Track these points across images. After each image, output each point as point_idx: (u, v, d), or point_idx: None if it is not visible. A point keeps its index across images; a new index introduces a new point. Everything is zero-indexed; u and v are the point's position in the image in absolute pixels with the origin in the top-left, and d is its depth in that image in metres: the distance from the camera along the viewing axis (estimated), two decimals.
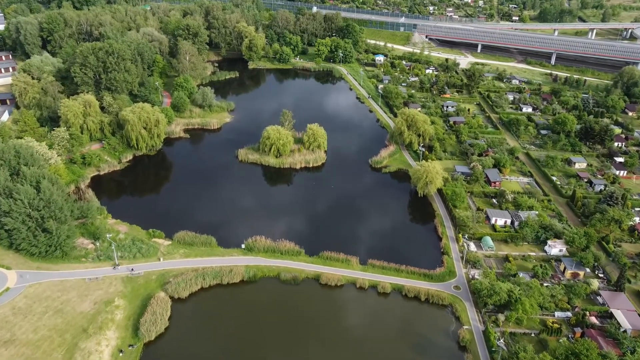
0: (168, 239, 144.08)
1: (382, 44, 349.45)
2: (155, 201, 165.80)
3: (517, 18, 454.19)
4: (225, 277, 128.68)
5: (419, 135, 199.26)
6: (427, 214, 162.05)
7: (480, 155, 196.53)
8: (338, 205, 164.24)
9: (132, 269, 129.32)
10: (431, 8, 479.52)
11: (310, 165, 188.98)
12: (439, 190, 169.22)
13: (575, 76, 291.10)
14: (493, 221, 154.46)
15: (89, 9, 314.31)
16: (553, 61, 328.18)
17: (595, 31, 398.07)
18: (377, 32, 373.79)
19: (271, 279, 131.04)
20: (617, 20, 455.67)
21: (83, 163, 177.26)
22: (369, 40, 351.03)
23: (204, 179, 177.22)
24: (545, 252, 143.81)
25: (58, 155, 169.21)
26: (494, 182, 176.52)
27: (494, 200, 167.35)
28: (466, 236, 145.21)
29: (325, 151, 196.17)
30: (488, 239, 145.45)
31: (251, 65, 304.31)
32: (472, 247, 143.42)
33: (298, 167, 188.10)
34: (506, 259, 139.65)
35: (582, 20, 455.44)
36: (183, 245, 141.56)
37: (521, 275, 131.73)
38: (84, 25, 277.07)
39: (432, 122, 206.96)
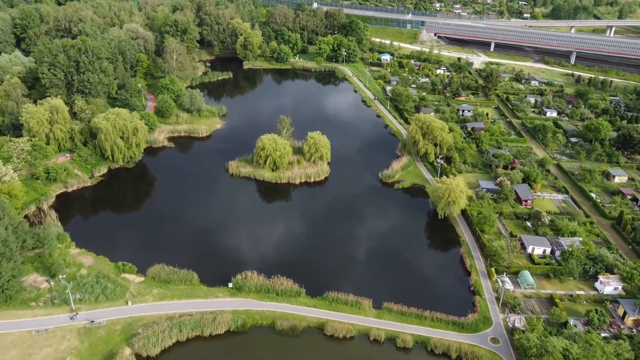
0: (140, 275, 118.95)
1: (387, 42, 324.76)
2: (129, 225, 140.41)
3: (528, 15, 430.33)
4: (207, 327, 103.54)
5: (435, 145, 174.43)
6: (450, 241, 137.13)
7: (505, 167, 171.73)
8: (344, 231, 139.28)
9: (92, 321, 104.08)
10: (437, 5, 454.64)
11: (312, 180, 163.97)
12: (463, 211, 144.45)
13: (600, 77, 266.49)
14: (530, 250, 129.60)
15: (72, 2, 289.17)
16: (573, 60, 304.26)
17: (614, 29, 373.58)
18: (382, 30, 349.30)
19: (264, 329, 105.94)
20: (634, 17, 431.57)
21: (47, 178, 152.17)
22: (373, 39, 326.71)
23: (188, 197, 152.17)
24: (597, 290, 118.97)
25: (16, 171, 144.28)
26: (525, 201, 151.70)
27: (528, 224, 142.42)
28: (504, 274, 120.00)
29: (328, 163, 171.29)
30: (527, 274, 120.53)
31: (246, 65, 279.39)
32: (508, 284, 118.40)
33: (297, 182, 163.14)
34: (551, 300, 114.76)
35: (596, 17, 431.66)
36: (158, 283, 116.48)
37: (571, 322, 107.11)
38: (62, 21, 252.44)
39: (450, 130, 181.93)
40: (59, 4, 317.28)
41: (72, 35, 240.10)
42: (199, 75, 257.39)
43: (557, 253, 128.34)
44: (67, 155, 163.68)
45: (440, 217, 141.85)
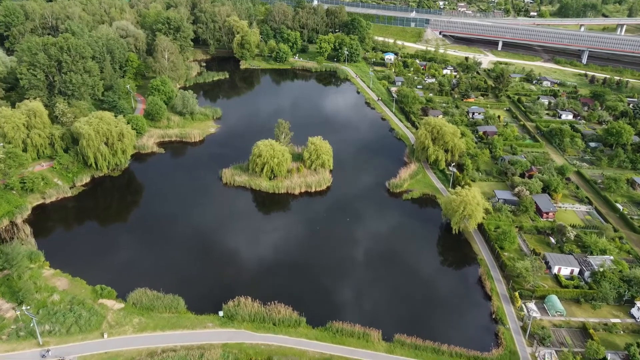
0: (120, 301, 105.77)
1: (391, 41, 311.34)
2: (111, 241, 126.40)
3: (535, 13, 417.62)
4: None
5: (446, 151, 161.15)
6: (466, 260, 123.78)
7: (522, 175, 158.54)
8: (349, 248, 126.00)
9: (62, 359, 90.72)
10: (441, 3, 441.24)
11: (313, 190, 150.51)
12: (479, 225, 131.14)
13: (615, 77, 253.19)
14: (555, 270, 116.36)
15: None
16: (585, 60, 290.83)
17: (624, 27, 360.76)
18: (385, 28, 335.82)
19: None
20: None
21: (23, 189, 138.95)
22: (376, 37, 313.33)
23: (177, 209, 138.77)
24: (634, 318, 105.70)
25: None
26: (547, 213, 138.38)
27: (552, 239, 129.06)
28: (533, 303, 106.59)
29: (330, 171, 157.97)
30: (555, 298, 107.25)
31: (243, 65, 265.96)
32: (535, 311, 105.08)
33: (297, 192, 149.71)
34: (584, 330, 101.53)
35: (604, 16, 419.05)
36: (139, 311, 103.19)
37: (609, 357, 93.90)
38: (49, 18, 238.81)
39: (462, 134, 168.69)
40: (48, 0, 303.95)
41: (59, 34, 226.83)
42: (193, 75, 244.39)
43: (587, 274, 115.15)
44: (43, 164, 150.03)
45: (454, 231, 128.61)
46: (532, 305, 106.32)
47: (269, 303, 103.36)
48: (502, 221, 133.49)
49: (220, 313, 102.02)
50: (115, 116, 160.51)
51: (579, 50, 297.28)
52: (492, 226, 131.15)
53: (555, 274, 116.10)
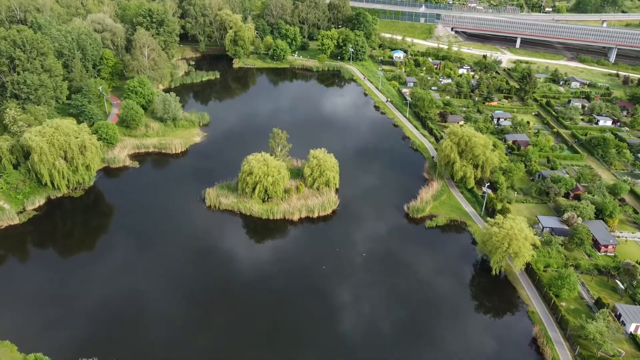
0: None
1: (399, 37, 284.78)
2: (59, 288, 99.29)
3: (550, 9, 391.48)
4: None
5: (475, 167, 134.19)
6: (512, 311, 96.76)
7: (566, 195, 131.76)
8: (367, 299, 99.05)
9: None
10: None
11: (315, 215, 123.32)
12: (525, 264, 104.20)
13: None
14: (632, 329, 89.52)
15: None
16: (613, 58, 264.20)
17: None
18: (392, 24, 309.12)
19: None
20: None
21: None
22: (383, 34, 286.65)
23: (146, 243, 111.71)
24: None
25: None
26: (605, 246, 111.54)
27: (619, 283, 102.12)
28: None
29: (336, 190, 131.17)
30: None
31: (237, 63, 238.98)
32: None
33: (296, 217, 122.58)
34: None
35: (623, 12, 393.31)
36: None
37: None
38: (17, 11, 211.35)
39: (494, 146, 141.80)
40: None
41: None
42: (180, 75, 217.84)
43: None
44: None
45: (494, 272, 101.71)
46: None
47: None
48: (552, 258, 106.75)
49: None
50: (79, 123, 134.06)
51: (605, 47, 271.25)
52: (541, 264, 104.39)
53: (631, 333, 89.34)
